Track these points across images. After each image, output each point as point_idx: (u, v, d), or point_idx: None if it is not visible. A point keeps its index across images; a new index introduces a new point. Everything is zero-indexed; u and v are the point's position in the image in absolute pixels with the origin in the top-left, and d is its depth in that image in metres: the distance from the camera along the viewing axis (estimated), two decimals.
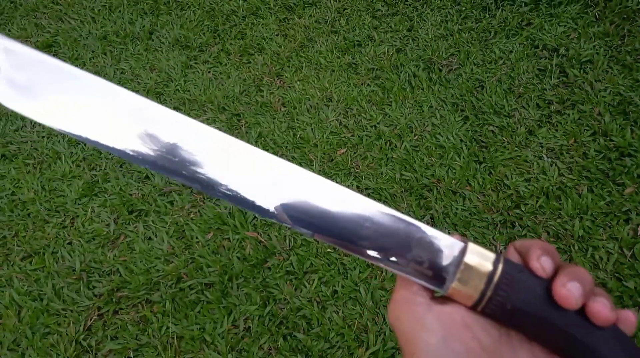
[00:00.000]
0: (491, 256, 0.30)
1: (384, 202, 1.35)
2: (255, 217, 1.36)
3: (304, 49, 1.81)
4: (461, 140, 1.47)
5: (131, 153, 0.31)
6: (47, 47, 1.95)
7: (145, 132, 0.32)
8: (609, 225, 1.26)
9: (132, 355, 1.17)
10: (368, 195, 1.37)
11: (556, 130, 1.46)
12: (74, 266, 1.32)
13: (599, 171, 1.36)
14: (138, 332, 1.20)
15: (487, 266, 0.30)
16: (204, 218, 1.37)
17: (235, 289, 1.23)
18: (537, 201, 1.31)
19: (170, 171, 0.31)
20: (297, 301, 1.20)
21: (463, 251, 0.30)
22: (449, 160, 1.43)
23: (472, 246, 0.31)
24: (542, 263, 0.30)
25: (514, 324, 0.30)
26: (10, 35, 1.88)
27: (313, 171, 1.45)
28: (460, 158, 1.43)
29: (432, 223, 1.30)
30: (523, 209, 1.30)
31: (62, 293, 1.28)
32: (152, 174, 1.50)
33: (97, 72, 1.83)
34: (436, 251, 0.31)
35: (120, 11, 2.07)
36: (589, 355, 0.29)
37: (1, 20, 2.11)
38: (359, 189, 1.39)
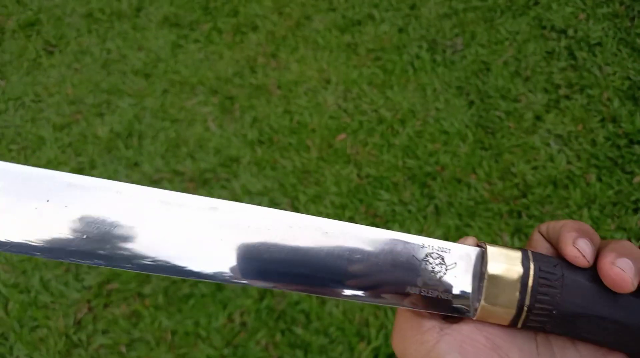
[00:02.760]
0: (517, 255, 0.24)
1: (386, 191, 1.30)
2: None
3: (301, 28, 1.73)
4: (466, 126, 1.42)
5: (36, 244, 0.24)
6: (30, 26, 1.85)
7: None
8: (617, 215, 1.22)
9: (124, 350, 1.13)
10: (369, 183, 1.32)
11: (564, 115, 1.41)
12: None
13: (607, 159, 1.31)
14: (130, 326, 1.15)
15: (517, 270, 0.24)
16: None
17: None
18: (545, 190, 1.26)
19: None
20: (295, 295, 1.16)
21: (482, 259, 0.25)
22: (454, 147, 1.37)
23: (491, 249, 0.25)
24: (580, 248, 0.24)
25: (564, 331, 0.24)
26: None
27: (311, 158, 1.39)
28: (465, 145, 1.38)
29: (436, 213, 1.25)
30: (530, 199, 1.25)
31: (51, 285, 1.23)
32: (141, 160, 1.43)
33: (82, 52, 1.74)
34: (448, 269, 0.25)
35: None
36: None
37: None
38: (359, 177, 1.33)
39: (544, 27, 1.62)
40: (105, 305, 1.19)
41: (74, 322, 1.17)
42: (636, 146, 1.32)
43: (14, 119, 1.58)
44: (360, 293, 0.25)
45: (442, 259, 0.25)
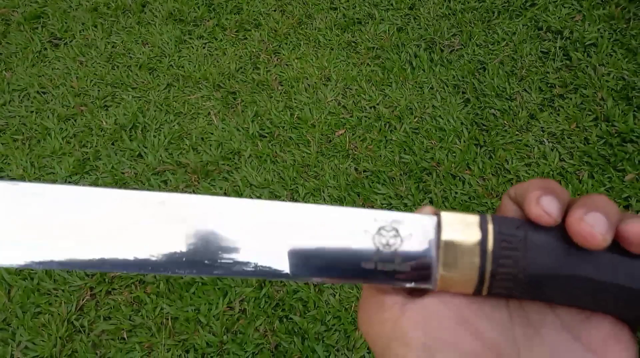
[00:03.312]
0: (475, 219, 0.23)
1: (383, 185, 1.33)
2: (251, 198, 1.34)
3: (302, 26, 1.76)
4: (462, 123, 1.45)
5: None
6: (35, 19, 1.87)
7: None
8: None
9: (125, 336, 1.15)
10: (366, 178, 1.35)
11: (558, 114, 1.44)
12: None
13: (600, 157, 1.34)
14: (131, 313, 1.18)
15: (475, 235, 0.23)
16: None
17: None
18: None
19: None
20: (293, 283, 1.18)
21: (438, 227, 0.24)
22: (449, 143, 1.40)
23: (446, 215, 0.24)
24: (544, 206, 0.22)
25: (534, 295, 0.23)
26: None
27: (310, 152, 1.42)
28: (460, 141, 1.41)
29: None
30: None
31: (53, 272, 1.25)
32: (145, 152, 1.46)
33: (87, 46, 1.77)
34: (403, 240, 0.24)
35: None
36: (635, 299, 0.22)
37: None
38: (357, 172, 1.36)
39: (540, 28, 1.65)
40: (107, 292, 1.22)
41: (76, 308, 1.20)
42: (628, 145, 1.35)
43: (19, 109, 1.61)
44: (316, 273, 0.24)
45: (397, 231, 0.24)
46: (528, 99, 1.48)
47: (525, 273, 0.22)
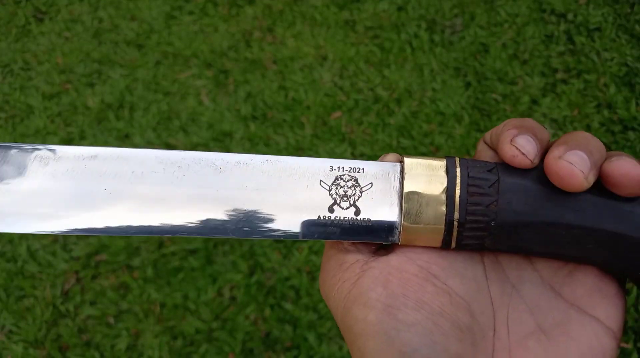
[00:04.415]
0: (441, 163, 0.21)
1: None
2: None
3: (298, 3, 1.70)
4: (462, 107, 1.41)
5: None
6: None
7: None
8: None
9: (112, 321, 1.12)
10: None
11: (560, 100, 1.40)
12: None
13: None
14: (118, 298, 1.14)
15: (440, 181, 0.20)
16: None
17: (220, 256, 1.18)
18: None
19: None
20: (285, 270, 1.15)
21: (402, 175, 0.21)
22: (449, 128, 1.37)
23: (409, 161, 0.22)
24: (519, 145, 0.20)
25: (509, 246, 0.21)
26: None
27: (305, 135, 1.37)
28: (460, 126, 1.37)
29: None
30: None
31: (38, 255, 1.21)
32: (132, 132, 1.41)
33: (72, 21, 1.70)
34: (363, 190, 0.22)
35: None
36: (623, 246, 0.19)
37: None
38: (354, 156, 1.32)
39: (544, 11, 1.60)
40: (94, 276, 1.18)
41: (61, 293, 1.16)
42: (630, 132, 1.32)
43: (2, 86, 1.55)
44: (265, 228, 0.22)
45: (356, 180, 0.22)
46: (530, 83, 1.44)
47: (498, 221, 0.20)
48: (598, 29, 1.54)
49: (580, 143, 0.19)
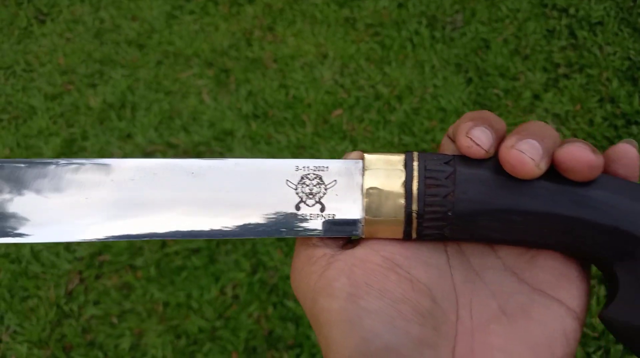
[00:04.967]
0: (399, 158, 0.22)
1: None
2: None
3: (298, 1, 1.70)
4: (464, 103, 1.40)
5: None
6: None
7: None
8: None
9: (115, 321, 1.13)
10: None
11: (562, 95, 1.40)
12: None
13: (604, 139, 1.30)
14: (121, 298, 1.15)
15: (399, 174, 0.22)
16: None
17: (223, 255, 1.18)
18: None
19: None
20: (287, 269, 1.15)
21: (364, 171, 0.23)
22: (450, 124, 1.36)
23: (369, 157, 0.23)
24: (473, 137, 0.21)
25: (469, 235, 0.22)
26: None
27: (306, 133, 1.37)
28: None
29: None
30: None
31: (41, 256, 1.22)
32: (134, 132, 1.41)
33: (74, 21, 1.70)
34: (327, 188, 0.23)
35: None
36: (580, 230, 0.20)
37: None
38: None
39: (545, 6, 1.59)
40: (97, 276, 1.19)
41: (65, 293, 1.17)
42: (633, 127, 1.31)
43: (5, 88, 1.55)
44: (237, 227, 0.23)
45: (320, 178, 0.23)
46: (532, 78, 1.43)
47: (455, 210, 0.21)
48: (600, 23, 1.53)
49: (532, 132, 0.20)
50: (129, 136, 1.41)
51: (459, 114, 1.38)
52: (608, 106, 1.36)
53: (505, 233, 0.21)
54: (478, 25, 1.57)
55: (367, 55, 1.54)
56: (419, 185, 0.21)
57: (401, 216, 0.22)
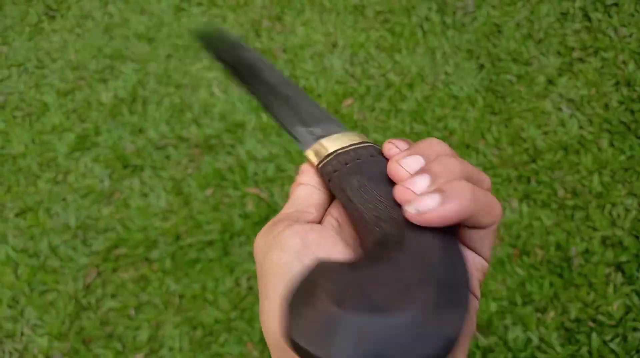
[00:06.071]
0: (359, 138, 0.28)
1: None
2: (256, 173, 1.29)
3: None
4: (476, 90, 1.38)
5: None
6: None
7: None
8: (629, 180, 1.19)
9: (133, 313, 1.14)
10: None
11: (577, 79, 1.37)
12: (69, 223, 1.27)
13: (620, 124, 1.28)
14: (138, 290, 1.16)
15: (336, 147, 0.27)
16: (203, 174, 1.31)
17: (237, 247, 1.19)
18: (555, 156, 1.24)
19: None
20: None
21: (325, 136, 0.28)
22: (463, 111, 1.34)
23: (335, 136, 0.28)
24: (388, 149, 0.25)
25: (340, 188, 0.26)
26: None
27: None
28: (474, 109, 1.35)
29: None
30: (540, 164, 1.23)
31: (59, 250, 1.24)
32: (145, 126, 1.42)
33: (83, 17, 1.71)
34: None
35: None
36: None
37: None
38: None
39: None
40: (114, 270, 1.20)
41: (83, 286, 1.19)
42: None
43: (18, 85, 1.57)
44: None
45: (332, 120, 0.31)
46: (546, 63, 1.40)
47: (340, 172, 0.26)
48: (615, 4, 1.49)
49: (421, 151, 0.24)
50: (140, 130, 1.41)
51: (471, 100, 1.36)
52: (624, 90, 1.33)
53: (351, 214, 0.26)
54: (490, 9, 1.54)
55: (377, 43, 1.52)
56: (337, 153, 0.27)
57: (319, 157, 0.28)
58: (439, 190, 0.20)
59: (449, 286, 0.18)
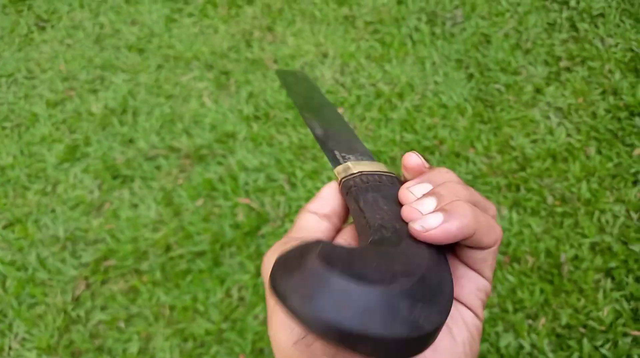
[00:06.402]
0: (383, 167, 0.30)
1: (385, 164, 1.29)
2: (247, 183, 1.29)
3: (297, 1, 1.69)
4: (465, 99, 1.39)
5: None
6: (21, 0, 1.80)
7: None
8: (617, 187, 1.21)
9: (122, 326, 1.13)
10: None
11: (564, 88, 1.39)
12: (57, 234, 1.26)
13: (607, 132, 1.29)
14: (128, 302, 1.15)
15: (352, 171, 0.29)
16: (193, 184, 1.30)
17: (227, 258, 1.18)
18: (544, 163, 1.25)
19: None
20: None
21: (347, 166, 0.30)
22: (452, 120, 1.35)
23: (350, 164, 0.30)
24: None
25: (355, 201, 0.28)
26: None
27: (307, 133, 1.37)
28: (464, 118, 1.36)
29: None
30: (529, 172, 1.24)
31: (47, 262, 1.22)
32: (136, 137, 1.41)
33: (74, 27, 1.71)
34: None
35: None
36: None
37: None
38: None
39: None
40: (103, 282, 1.19)
41: (72, 299, 1.17)
42: (637, 118, 1.30)
43: (7, 95, 1.56)
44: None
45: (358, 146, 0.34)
46: (534, 72, 1.42)
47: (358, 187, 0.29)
48: (601, 15, 1.52)
49: (430, 179, 0.25)
50: (131, 140, 1.41)
51: (460, 110, 1.37)
52: (611, 99, 1.35)
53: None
54: (478, 20, 1.56)
55: (367, 53, 1.53)
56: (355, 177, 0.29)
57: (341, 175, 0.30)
58: (442, 209, 0.21)
59: (430, 286, 0.20)
